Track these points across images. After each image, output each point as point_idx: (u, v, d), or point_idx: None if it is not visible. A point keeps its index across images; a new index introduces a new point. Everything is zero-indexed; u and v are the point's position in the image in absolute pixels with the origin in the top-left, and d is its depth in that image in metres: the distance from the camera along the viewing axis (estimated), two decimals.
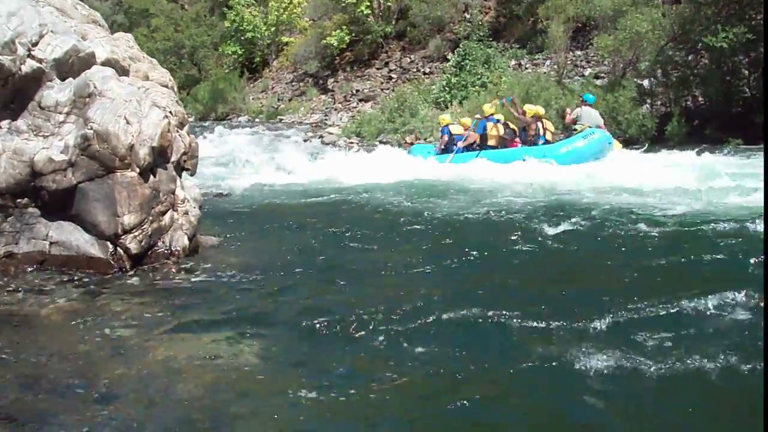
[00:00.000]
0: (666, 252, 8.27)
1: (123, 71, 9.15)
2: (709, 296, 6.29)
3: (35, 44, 8.08)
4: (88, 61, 8.57)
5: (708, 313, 6.05)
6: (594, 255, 8.54)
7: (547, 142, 17.62)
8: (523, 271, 7.99)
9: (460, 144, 18.26)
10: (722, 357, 5.21)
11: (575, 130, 17.73)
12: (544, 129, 17.89)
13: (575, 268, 8.10)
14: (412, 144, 23.72)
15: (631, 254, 8.33)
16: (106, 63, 8.88)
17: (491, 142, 18.02)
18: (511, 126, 18.53)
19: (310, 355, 5.70)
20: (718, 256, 7.93)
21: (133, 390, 5.12)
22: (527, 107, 18.49)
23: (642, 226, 9.67)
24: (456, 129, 18.83)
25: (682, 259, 7.98)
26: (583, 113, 17.98)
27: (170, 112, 8.86)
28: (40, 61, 8.03)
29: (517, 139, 18.12)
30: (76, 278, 7.58)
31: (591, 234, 9.55)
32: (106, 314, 6.61)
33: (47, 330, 6.27)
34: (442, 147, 18.86)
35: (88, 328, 6.23)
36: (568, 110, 18.88)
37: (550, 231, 9.65)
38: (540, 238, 9.33)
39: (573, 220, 10.26)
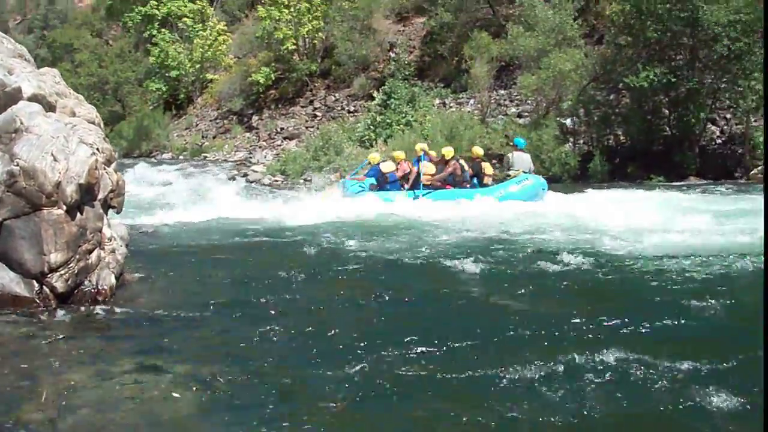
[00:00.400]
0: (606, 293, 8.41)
1: (50, 107, 9.03)
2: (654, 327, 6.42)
3: None
4: (15, 96, 8.43)
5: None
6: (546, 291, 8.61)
7: (483, 184, 17.69)
8: (447, 314, 8.04)
9: (406, 186, 17.98)
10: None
11: (509, 175, 17.74)
12: (483, 173, 17.99)
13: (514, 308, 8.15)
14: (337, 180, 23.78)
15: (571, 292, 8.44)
16: (33, 98, 8.74)
17: (425, 182, 17.83)
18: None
19: (227, 390, 5.68)
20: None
21: (53, 425, 5.09)
22: (444, 150, 18.39)
23: (583, 263, 9.81)
24: (386, 167, 18.40)
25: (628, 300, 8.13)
26: (515, 158, 18.02)
27: (97, 149, 8.74)
28: None
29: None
30: (0, 317, 7.42)
31: (529, 272, 9.64)
32: (30, 353, 6.51)
33: None
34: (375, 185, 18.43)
35: (10, 366, 6.12)
36: (504, 162, 18.81)
37: (480, 270, 9.72)
38: (469, 279, 9.40)
39: (513, 259, 10.37)
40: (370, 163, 19.21)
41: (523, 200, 16.69)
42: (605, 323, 6.99)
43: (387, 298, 8.44)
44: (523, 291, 8.51)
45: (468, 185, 17.72)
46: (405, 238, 12.64)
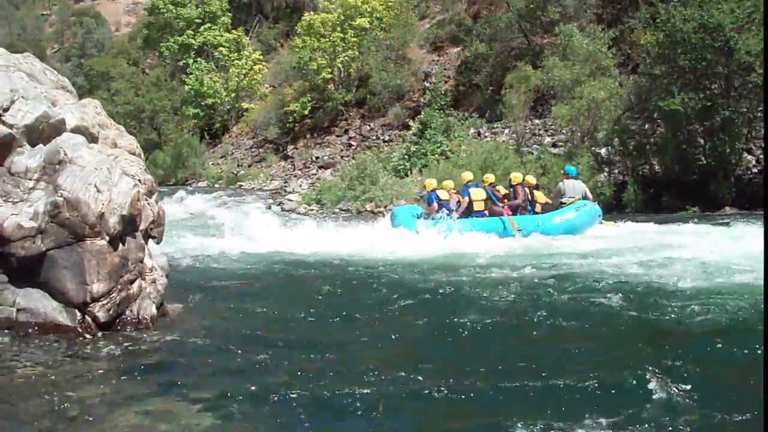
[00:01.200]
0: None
1: (92, 138, 9.14)
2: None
3: (6, 110, 8.04)
4: (59, 127, 8.55)
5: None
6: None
7: (535, 212, 17.46)
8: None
9: (456, 214, 17.56)
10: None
11: (563, 203, 17.50)
12: (536, 200, 17.77)
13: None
14: (375, 212, 23.81)
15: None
16: (76, 130, 8.86)
17: (477, 208, 17.70)
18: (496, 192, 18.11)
19: (270, 426, 5.67)
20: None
21: None
22: (512, 175, 18.19)
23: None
24: (443, 194, 18.22)
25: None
26: (567, 186, 17.85)
27: (139, 180, 8.83)
28: (10, 126, 7.97)
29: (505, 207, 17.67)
30: (43, 345, 7.48)
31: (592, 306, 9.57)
32: (72, 382, 6.54)
33: (11, 396, 6.18)
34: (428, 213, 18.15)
35: (53, 396, 6.16)
36: (556, 191, 18.39)
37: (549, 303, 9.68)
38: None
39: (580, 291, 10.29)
40: (425, 188, 19.00)
41: (580, 227, 16.60)
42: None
43: (440, 331, 8.38)
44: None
45: (527, 212, 17.47)
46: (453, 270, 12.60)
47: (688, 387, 5.98)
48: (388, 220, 19.14)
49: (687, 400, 5.78)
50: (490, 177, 18.47)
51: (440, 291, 10.68)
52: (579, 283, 10.75)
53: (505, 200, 17.73)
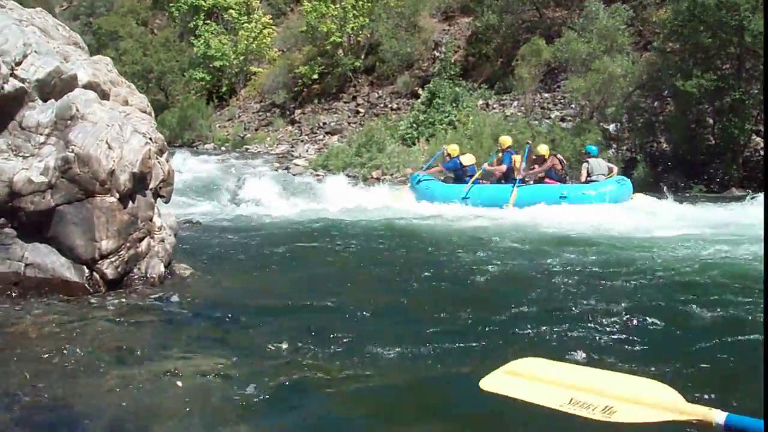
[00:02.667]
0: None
1: (103, 95, 9.12)
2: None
3: (18, 64, 7.99)
4: (71, 83, 8.51)
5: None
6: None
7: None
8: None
9: (485, 175, 17.44)
10: None
11: (592, 180, 17.11)
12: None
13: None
14: (379, 178, 23.73)
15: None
16: (88, 86, 8.84)
17: (518, 176, 17.07)
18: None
19: (272, 388, 5.68)
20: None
21: (105, 408, 5.20)
22: (540, 148, 17.78)
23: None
24: (467, 160, 17.66)
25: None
26: (593, 165, 17.48)
27: (150, 138, 8.82)
28: (22, 80, 7.93)
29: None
30: (50, 302, 7.49)
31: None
32: (79, 338, 6.56)
33: (16, 350, 6.20)
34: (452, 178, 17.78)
35: (61, 350, 6.18)
36: (582, 172, 17.66)
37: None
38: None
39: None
40: (449, 154, 18.14)
41: (623, 197, 16.42)
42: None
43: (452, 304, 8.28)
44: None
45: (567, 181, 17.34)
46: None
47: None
48: (408, 189, 18.50)
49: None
50: (506, 139, 17.91)
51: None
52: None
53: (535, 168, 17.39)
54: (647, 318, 7.08)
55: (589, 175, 17.31)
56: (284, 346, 6.44)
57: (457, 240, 12.39)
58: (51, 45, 8.88)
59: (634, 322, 6.98)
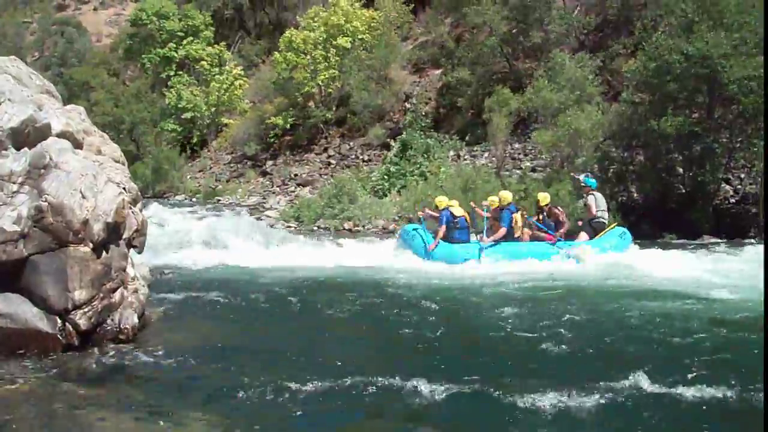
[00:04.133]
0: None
1: (77, 144, 9.05)
2: None
3: None
4: (44, 132, 8.45)
5: None
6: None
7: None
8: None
9: (488, 239, 15.84)
10: None
11: (597, 217, 16.63)
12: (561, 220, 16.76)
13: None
14: (351, 230, 23.69)
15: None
16: (61, 135, 8.77)
17: (517, 235, 16.31)
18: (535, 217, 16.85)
19: None
20: None
21: None
22: (540, 196, 17.06)
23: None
24: (458, 211, 16.34)
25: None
26: (598, 199, 16.92)
27: (124, 188, 8.76)
28: None
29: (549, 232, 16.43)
30: (22, 352, 7.37)
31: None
32: (51, 392, 6.48)
33: None
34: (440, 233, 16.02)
35: (31, 405, 6.08)
36: (591, 205, 16.89)
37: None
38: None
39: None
40: (437, 207, 16.65)
41: (620, 252, 15.82)
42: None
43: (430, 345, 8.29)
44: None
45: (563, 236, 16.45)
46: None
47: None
48: (398, 241, 17.41)
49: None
50: (507, 195, 16.60)
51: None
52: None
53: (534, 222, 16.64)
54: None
55: (597, 209, 16.78)
56: (260, 397, 6.37)
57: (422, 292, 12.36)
58: (25, 93, 8.83)
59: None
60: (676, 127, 20.91)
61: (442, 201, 16.74)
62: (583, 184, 17.79)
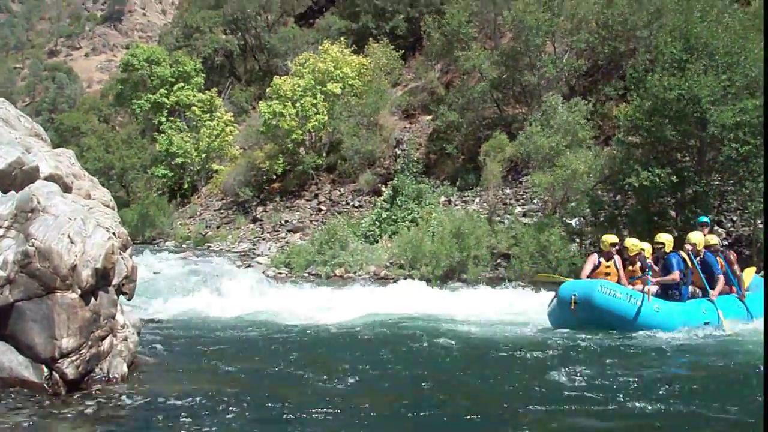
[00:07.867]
0: None
1: (66, 188, 8.89)
2: None
3: None
4: (32, 174, 8.28)
5: None
6: None
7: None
8: None
9: (715, 293, 13.20)
10: None
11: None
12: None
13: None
14: (341, 276, 23.48)
15: None
16: (50, 178, 8.61)
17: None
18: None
19: None
20: None
21: None
22: (664, 238, 14.19)
23: None
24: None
25: None
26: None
27: (114, 233, 8.55)
28: None
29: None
30: (6, 402, 7.13)
31: None
32: None
33: None
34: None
35: None
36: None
37: None
38: None
39: None
40: (629, 250, 14.19)
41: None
42: None
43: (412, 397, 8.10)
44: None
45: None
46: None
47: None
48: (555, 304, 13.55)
49: None
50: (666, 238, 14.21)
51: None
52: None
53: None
54: None
55: None
56: None
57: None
58: (13, 135, 8.68)
59: None
60: (653, 181, 20.71)
61: (636, 244, 14.07)
62: (698, 222, 15.79)
